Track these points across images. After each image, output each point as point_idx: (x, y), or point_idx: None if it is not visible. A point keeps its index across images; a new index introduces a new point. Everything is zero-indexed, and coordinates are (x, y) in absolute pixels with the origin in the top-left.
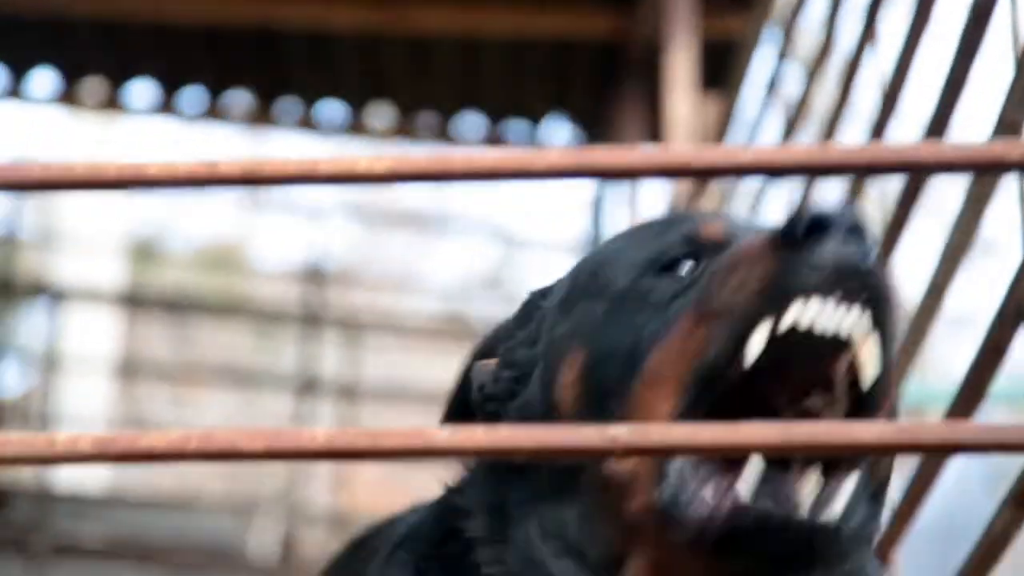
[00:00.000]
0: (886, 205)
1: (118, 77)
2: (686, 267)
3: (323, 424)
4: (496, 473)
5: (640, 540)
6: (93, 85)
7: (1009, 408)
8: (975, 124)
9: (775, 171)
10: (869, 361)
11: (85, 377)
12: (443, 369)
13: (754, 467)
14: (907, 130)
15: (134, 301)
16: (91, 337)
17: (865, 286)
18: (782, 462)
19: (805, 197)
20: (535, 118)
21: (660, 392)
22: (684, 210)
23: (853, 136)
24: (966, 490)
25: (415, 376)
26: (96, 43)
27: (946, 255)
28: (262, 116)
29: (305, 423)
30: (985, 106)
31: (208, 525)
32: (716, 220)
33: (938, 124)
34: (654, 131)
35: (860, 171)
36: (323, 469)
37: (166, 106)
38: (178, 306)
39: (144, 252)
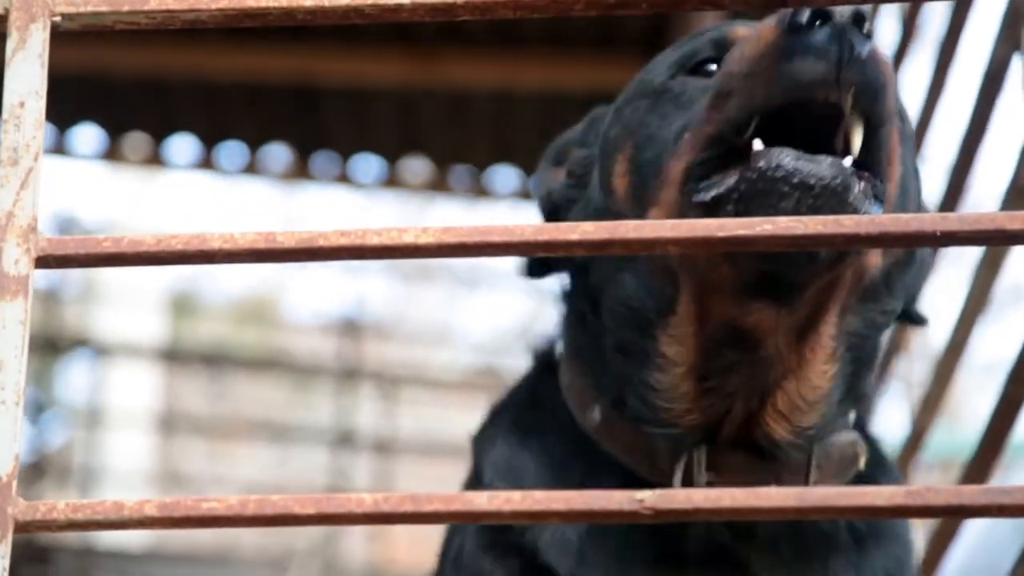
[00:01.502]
0: None
1: (159, 133)
2: (714, 68)
3: (360, 478)
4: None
5: (685, 269)
6: (135, 141)
7: None
8: (990, 185)
9: (797, 243)
10: (856, 134)
11: (125, 431)
12: (477, 422)
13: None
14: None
15: (173, 355)
16: (131, 391)
17: (852, 76)
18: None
19: None
20: None
21: (681, 160)
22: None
23: None
24: (995, 538)
25: (450, 429)
26: (138, 100)
27: (965, 312)
28: (300, 171)
29: (341, 477)
30: (1000, 167)
31: None
32: (744, 25)
33: (956, 183)
34: None
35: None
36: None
37: (206, 161)
38: (215, 360)
39: (182, 306)
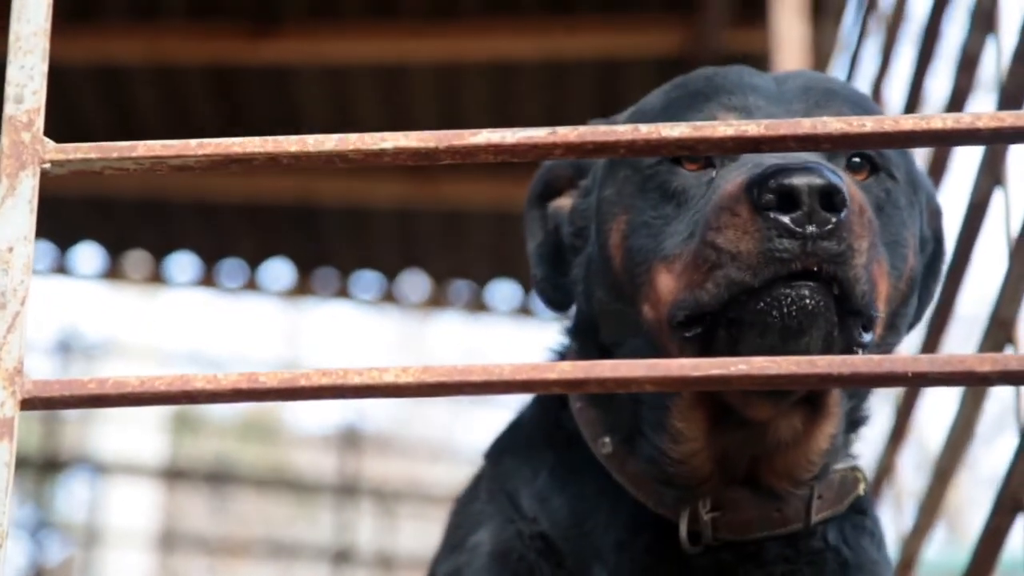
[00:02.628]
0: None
1: (160, 251)
2: (701, 157)
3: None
4: (579, 322)
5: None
6: (136, 259)
7: None
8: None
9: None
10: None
11: (124, 549)
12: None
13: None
14: None
15: (173, 473)
16: (130, 509)
17: (823, 251)
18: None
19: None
20: None
21: (670, 284)
22: (711, 82)
23: None
24: None
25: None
26: (138, 219)
27: (949, 444)
28: (300, 287)
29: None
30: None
31: None
32: (730, 113)
33: (942, 313)
34: None
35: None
36: None
37: (207, 279)
38: (217, 477)
39: (184, 421)
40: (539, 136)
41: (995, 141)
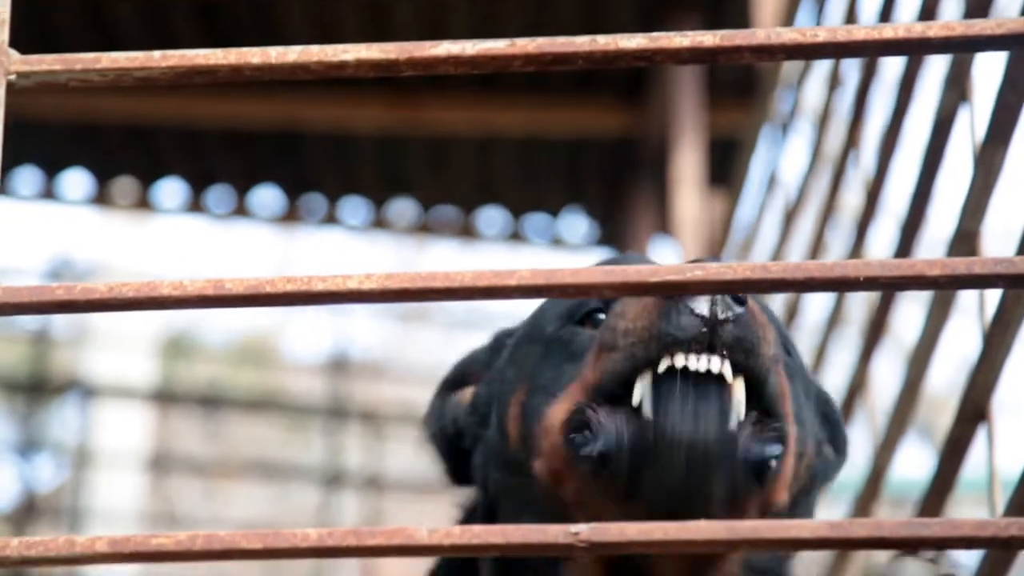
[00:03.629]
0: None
1: (148, 178)
2: (601, 317)
3: (350, 516)
4: (479, 508)
5: (575, 499)
6: (124, 186)
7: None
8: (943, 226)
9: (728, 287)
10: (737, 394)
11: (117, 472)
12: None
13: (641, 393)
14: (888, 227)
15: (165, 396)
16: (122, 432)
17: (726, 335)
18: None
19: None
20: (552, 212)
21: (561, 407)
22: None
23: (845, 227)
24: None
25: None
26: (126, 145)
27: (916, 355)
28: (287, 214)
29: (332, 515)
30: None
31: None
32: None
33: (911, 226)
34: (665, 225)
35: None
36: (353, 561)
37: (195, 205)
38: (209, 401)
39: (175, 347)
40: (499, 48)
41: (945, 50)
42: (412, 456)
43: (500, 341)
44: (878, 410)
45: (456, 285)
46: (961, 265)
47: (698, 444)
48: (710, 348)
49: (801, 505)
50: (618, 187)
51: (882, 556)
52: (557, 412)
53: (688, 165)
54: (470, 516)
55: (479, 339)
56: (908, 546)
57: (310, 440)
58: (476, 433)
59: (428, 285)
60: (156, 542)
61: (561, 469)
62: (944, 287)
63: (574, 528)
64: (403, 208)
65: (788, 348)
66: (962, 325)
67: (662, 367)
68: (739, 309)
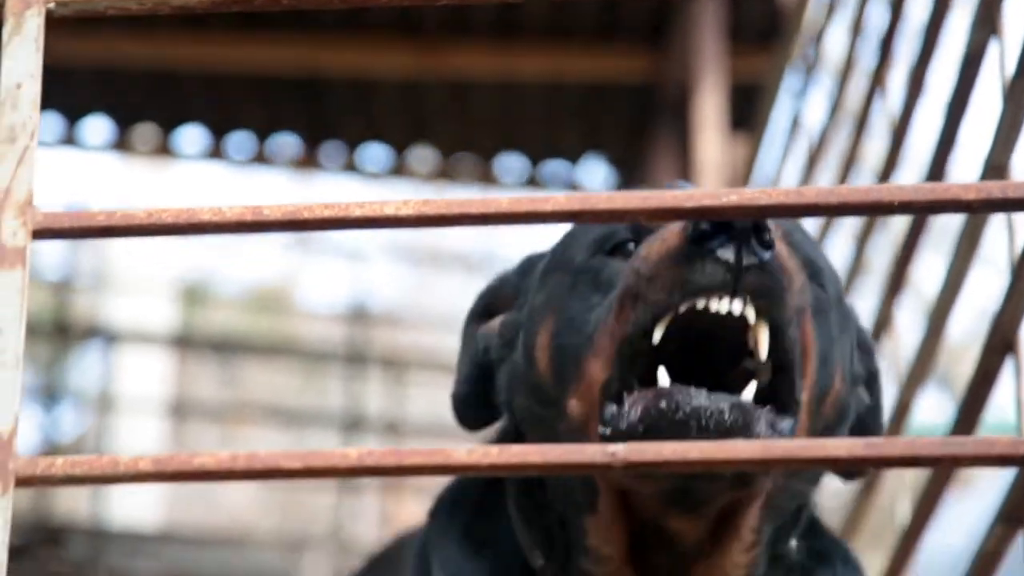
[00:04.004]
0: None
1: (168, 124)
2: (631, 248)
3: None
4: (504, 437)
5: (603, 476)
6: (144, 132)
7: None
8: (971, 165)
9: (762, 212)
10: (760, 338)
11: (137, 418)
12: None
13: (664, 380)
14: (913, 166)
15: (184, 343)
16: (143, 378)
17: (750, 282)
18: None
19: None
20: (572, 159)
21: (598, 363)
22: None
23: (866, 175)
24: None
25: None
26: (147, 91)
27: (944, 292)
28: (308, 160)
29: None
30: (978, 147)
31: (260, 561)
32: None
33: (938, 163)
34: (686, 171)
35: (858, 209)
36: (371, 507)
37: (215, 151)
38: (227, 347)
39: (194, 295)
40: None
41: None
42: (432, 402)
43: (529, 264)
44: (901, 357)
45: (492, 211)
46: (995, 188)
47: (712, 429)
48: (733, 294)
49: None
50: (639, 133)
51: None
52: (593, 371)
53: (710, 110)
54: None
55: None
56: (943, 464)
57: (327, 387)
58: (502, 355)
59: (464, 211)
60: (198, 461)
61: (590, 434)
62: (977, 210)
63: (611, 448)
64: (423, 155)
65: (823, 280)
66: (983, 275)
67: (683, 308)
68: (766, 255)
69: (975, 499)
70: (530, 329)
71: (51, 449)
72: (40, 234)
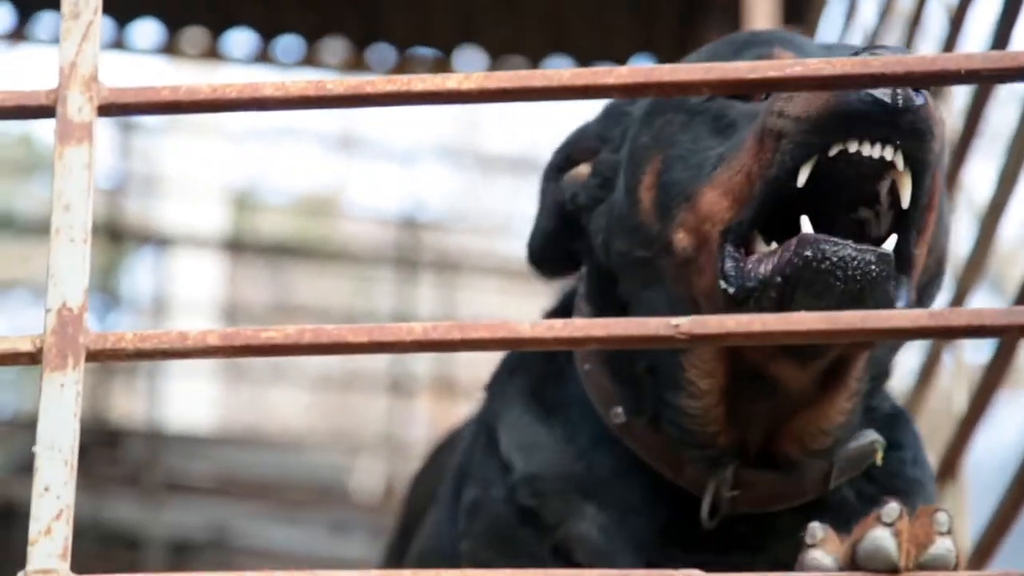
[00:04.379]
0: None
1: (217, 27)
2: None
3: (419, 363)
4: (597, 281)
5: (712, 306)
6: (193, 35)
7: None
8: None
9: (825, 84)
10: (905, 185)
11: (191, 321)
12: (539, 309)
13: (807, 227)
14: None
15: (236, 247)
16: (195, 283)
17: (905, 123)
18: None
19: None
20: (622, 60)
21: (720, 200)
22: (762, 32)
23: None
24: None
25: (513, 317)
26: None
27: (1006, 170)
28: (357, 63)
29: (399, 364)
30: None
31: (313, 464)
32: (789, 46)
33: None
34: None
35: (924, 79)
36: (422, 410)
37: (263, 55)
38: (277, 253)
39: (244, 201)
40: None
41: None
42: (484, 304)
43: (614, 113)
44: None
45: (554, 84)
46: None
47: (856, 280)
48: (886, 138)
49: (926, 299)
50: (689, 31)
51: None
52: (708, 202)
53: (762, 7)
54: (588, 293)
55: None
56: (1007, 334)
57: (377, 292)
58: (596, 196)
59: (526, 84)
60: (265, 335)
61: (700, 277)
62: None
63: (675, 321)
64: (472, 56)
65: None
66: None
67: (833, 151)
68: (919, 100)
69: None
70: (634, 168)
71: None
72: (106, 110)
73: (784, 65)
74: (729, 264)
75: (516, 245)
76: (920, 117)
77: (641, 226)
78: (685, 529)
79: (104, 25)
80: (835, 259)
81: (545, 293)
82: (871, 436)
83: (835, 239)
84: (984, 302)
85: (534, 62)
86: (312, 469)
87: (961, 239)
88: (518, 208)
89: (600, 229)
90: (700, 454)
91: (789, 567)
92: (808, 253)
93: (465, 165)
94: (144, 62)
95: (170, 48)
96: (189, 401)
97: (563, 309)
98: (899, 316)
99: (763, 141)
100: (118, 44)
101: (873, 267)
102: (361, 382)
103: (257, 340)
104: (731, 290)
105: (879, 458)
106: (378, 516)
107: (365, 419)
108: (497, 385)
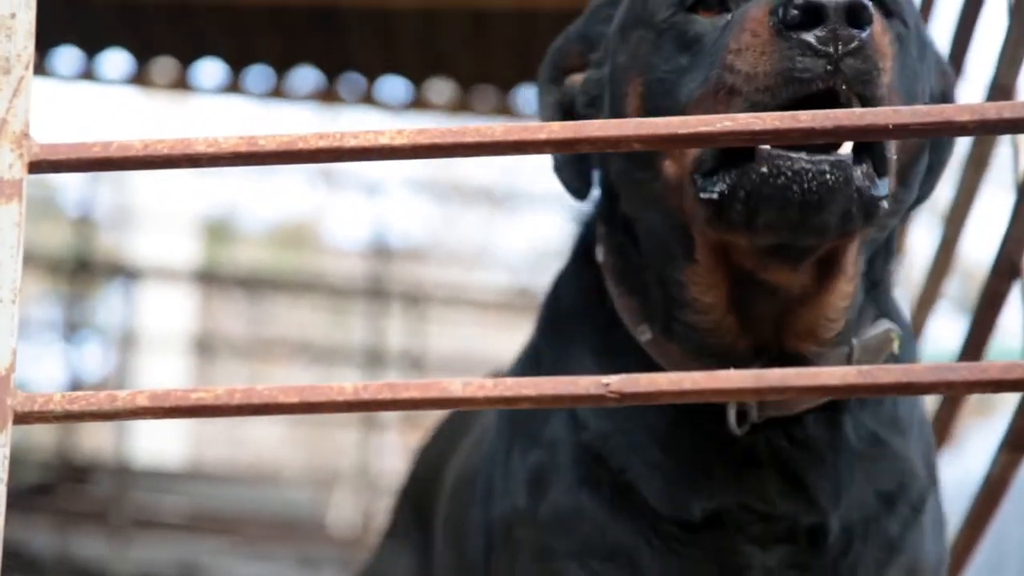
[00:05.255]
0: None
1: (187, 57)
2: (716, 3)
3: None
4: (606, 199)
5: (697, 227)
6: (163, 65)
7: None
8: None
9: (755, 138)
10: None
11: (162, 355)
12: (511, 342)
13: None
14: None
15: (208, 279)
16: (167, 316)
17: (848, 68)
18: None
19: None
20: None
21: (683, 155)
22: None
23: None
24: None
25: (482, 349)
26: (165, 24)
27: (954, 210)
28: (326, 94)
29: None
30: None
31: (287, 498)
32: None
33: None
34: None
35: (852, 134)
36: (397, 443)
37: (233, 85)
38: (251, 284)
39: (218, 231)
40: None
41: None
42: (454, 336)
43: (598, 14)
44: (914, 277)
45: (487, 140)
46: (991, 110)
47: (814, 189)
48: (832, 84)
49: (910, 179)
50: None
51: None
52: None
53: None
54: (598, 213)
55: (518, 221)
56: (935, 391)
57: (351, 322)
58: (589, 115)
59: (459, 140)
60: (195, 396)
61: (685, 196)
62: (973, 133)
63: (605, 379)
64: (441, 87)
65: (904, 14)
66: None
67: (783, 99)
68: (862, 34)
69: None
70: (617, 91)
71: (77, 385)
72: (36, 166)
73: (715, 120)
74: (699, 183)
75: (488, 276)
76: (863, 56)
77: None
78: (719, 446)
79: (72, 55)
80: (789, 173)
81: (518, 326)
82: (885, 325)
83: (789, 153)
84: (949, 321)
85: (503, 91)
86: (286, 503)
87: (924, 256)
88: (491, 239)
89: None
90: (720, 364)
91: None
92: (764, 169)
93: (438, 195)
94: (113, 93)
95: (139, 78)
96: (159, 435)
97: (586, 232)
98: (827, 374)
99: (718, 94)
100: (87, 75)
101: (828, 176)
102: (332, 415)
103: (187, 401)
104: (703, 214)
105: (895, 347)
106: (353, 550)
107: (339, 452)
108: (557, 330)
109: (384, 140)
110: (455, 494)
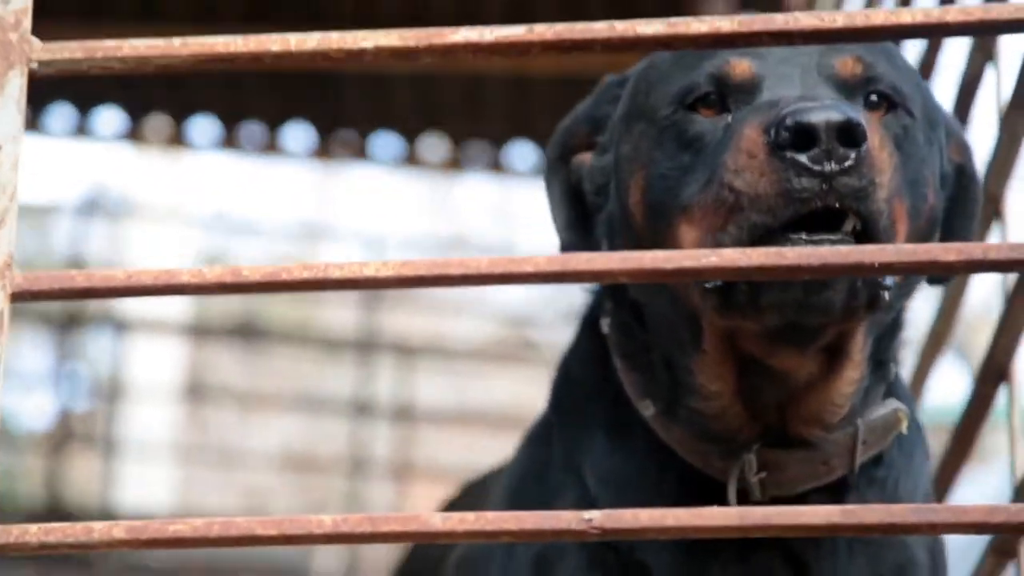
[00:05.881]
0: None
1: (180, 115)
2: (717, 102)
3: (380, 446)
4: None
5: (705, 317)
6: (157, 123)
7: None
8: None
9: (741, 273)
10: (852, 226)
11: (152, 402)
12: (500, 390)
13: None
14: None
15: (198, 328)
16: (157, 363)
17: (842, 187)
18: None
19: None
20: None
21: (695, 235)
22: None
23: None
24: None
25: (471, 397)
26: (159, 82)
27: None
28: (320, 150)
29: (361, 446)
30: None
31: (273, 548)
32: (743, 58)
33: None
34: None
35: (837, 271)
36: (382, 493)
37: (227, 142)
38: (241, 332)
39: None
40: (517, 34)
41: (963, 34)
42: (441, 387)
43: (608, 94)
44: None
45: (472, 271)
46: (977, 251)
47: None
48: (826, 199)
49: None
50: None
51: None
52: (685, 236)
53: None
54: (608, 292)
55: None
56: (919, 531)
57: (341, 373)
58: (597, 202)
59: (443, 272)
60: (173, 529)
61: (688, 291)
62: (960, 272)
63: (587, 515)
64: (434, 143)
65: (909, 104)
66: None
67: (782, 219)
68: (854, 154)
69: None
70: (621, 182)
71: (65, 428)
72: (19, 296)
73: (700, 255)
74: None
75: (479, 324)
76: (858, 174)
77: (639, 238)
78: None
79: (66, 113)
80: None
81: (503, 376)
82: (893, 404)
83: (789, 235)
84: (949, 370)
85: (496, 148)
86: (272, 550)
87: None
88: (477, 291)
89: (604, 236)
90: (723, 446)
91: None
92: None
93: (430, 248)
94: (108, 149)
95: (134, 135)
96: (145, 484)
97: (594, 301)
98: (810, 512)
99: (718, 210)
100: (81, 131)
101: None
102: (321, 464)
103: (164, 533)
104: (710, 304)
105: (904, 427)
106: None
107: (326, 499)
108: (568, 405)
109: (369, 272)
110: None
